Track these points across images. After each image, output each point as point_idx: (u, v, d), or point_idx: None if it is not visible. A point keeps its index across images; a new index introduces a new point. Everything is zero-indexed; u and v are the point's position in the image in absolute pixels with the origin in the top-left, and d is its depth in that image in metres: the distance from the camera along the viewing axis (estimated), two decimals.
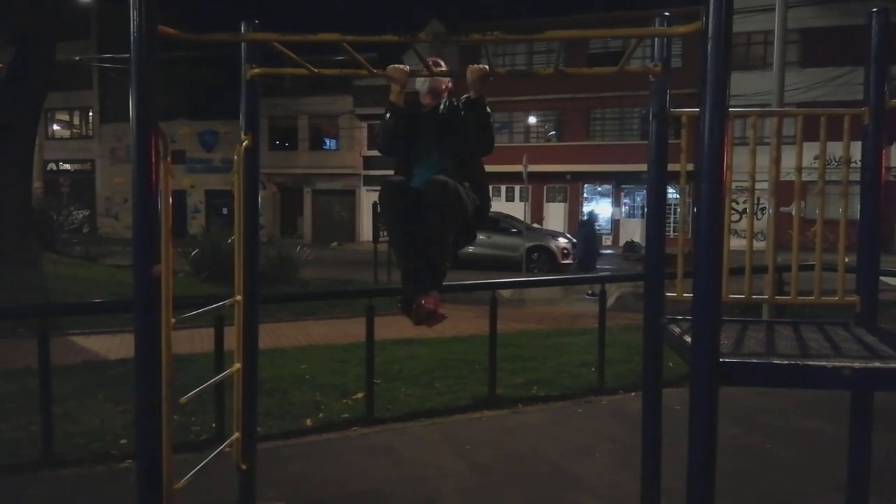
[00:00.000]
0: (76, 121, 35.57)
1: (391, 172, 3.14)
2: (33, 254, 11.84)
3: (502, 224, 19.19)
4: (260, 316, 3.14)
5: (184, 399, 2.44)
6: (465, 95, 3.01)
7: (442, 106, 3.07)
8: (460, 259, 17.72)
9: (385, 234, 3.18)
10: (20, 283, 10.04)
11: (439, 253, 2.88)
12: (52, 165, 33.58)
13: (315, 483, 3.99)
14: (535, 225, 24.20)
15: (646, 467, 2.97)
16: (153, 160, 2.15)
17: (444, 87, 3.13)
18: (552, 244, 18.69)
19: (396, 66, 2.97)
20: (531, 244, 18.33)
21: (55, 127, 35.45)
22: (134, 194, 2.16)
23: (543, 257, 18.37)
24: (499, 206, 25.79)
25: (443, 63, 3.06)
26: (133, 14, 2.11)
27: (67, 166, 34.65)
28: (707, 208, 1.90)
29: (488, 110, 2.94)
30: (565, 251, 18.48)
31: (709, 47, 1.90)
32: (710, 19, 1.91)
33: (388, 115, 2.99)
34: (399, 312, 2.99)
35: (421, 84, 3.10)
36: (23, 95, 11.60)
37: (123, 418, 4.87)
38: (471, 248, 17.71)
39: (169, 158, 2.24)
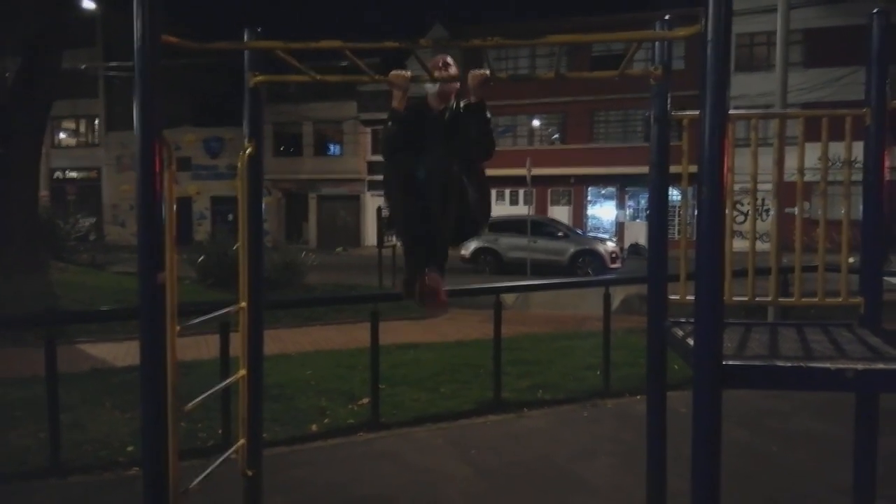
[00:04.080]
0: (82, 129, 35.74)
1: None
2: (40, 262, 11.91)
3: (549, 228, 18.95)
4: (265, 322, 3.15)
5: (189, 406, 2.45)
6: (464, 101, 3.02)
7: (447, 112, 3.07)
8: (506, 263, 17.82)
9: (390, 227, 3.19)
10: (27, 291, 10.10)
11: (441, 230, 2.88)
12: (58, 173, 33.78)
13: (321, 489, 3.99)
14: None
15: (651, 470, 2.97)
16: (157, 169, 2.17)
17: (453, 89, 3.12)
18: (601, 248, 18.26)
19: (398, 72, 2.97)
20: (579, 248, 18.12)
21: (61, 135, 35.63)
22: (138, 203, 2.18)
23: (591, 261, 17.91)
24: (503, 209, 25.82)
25: (451, 62, 3.05)
26: (136, 24, 2.13)
27: (74, 174, 34.83)
28: (708, 210, 1.90)
29: (488, 115, 2.95)
30: (614, 255, 18.10)
31: (708, 50, 1.91)
32: (710, 22, 1.91)
33: (390, 123, 2.99)
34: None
35: (431, 86, 3.08)
36: (29, 104, 11.67)
37: (130, 425, 4.89)
38: (516, 253, 17.75)
39: (173, 167, 2.25)
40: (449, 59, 3.05)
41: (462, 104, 3.03)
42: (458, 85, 3.11)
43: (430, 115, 3.07)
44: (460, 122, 2.98)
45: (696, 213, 1.96)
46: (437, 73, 2.99)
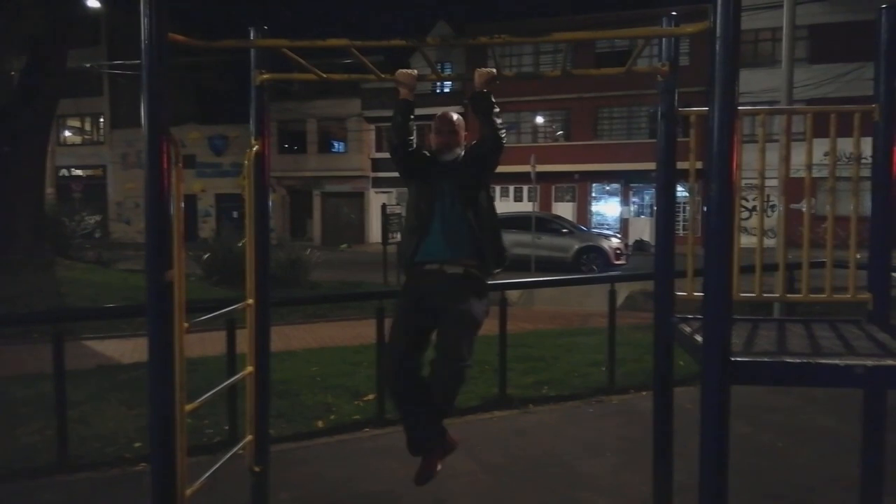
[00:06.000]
0: (87, 127, 35.84)
1: (397, 175, 3.15)
2: (47, 259, 11.96)
3: (553, 224, 18.95)
4: (271, 319, 3.16)
5: (196, 403, 2.45)
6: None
7: (457, 161, 3.07)
8: (510, 260, 17.65)
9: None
10: (34, 289, 10.14)
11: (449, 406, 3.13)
12: (63, 171, 33.84)
13: (327, 484, 4.00)
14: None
15: (657, 466, 2.97)
16: (165, 166, 2.17)
17: (454, 142, 3.09)
18: (605, 244, 18.24)
19: (404, 70, 2.97)
20: (583, 245, 18.10)
21: (67, 133, 35.74)
22: (146, 200, 2.18)
23: (596, 258, 17.88)
24: (507, 206, 25.78)
25: (454, 117, 3.08)
26: (144, 22, 2.14)
27: (79, 172, 34.92)
28: (717, 207, 1.90)
29: (493, 100, 2.95)
30: (618, 251, 18.08)
31: (717, 47, 1.91)
32: (719, 18, 1.91)
33: (396, 113, 3.00)
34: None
35: (433, 135, 3.11)
36: (35, 103, 11.72)
37: (137, 422, 4.91)
38: (520, 249, 17.67)
39: (180, 164, 2.26)
40: (451, 116, 3.07)
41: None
42: (460, 139, 3.10)
43: (439, 161, 3.07)
44: (475, 161, 3.04)
45: (704, 209, 1.95)
46: (434, 128, 3.06)
